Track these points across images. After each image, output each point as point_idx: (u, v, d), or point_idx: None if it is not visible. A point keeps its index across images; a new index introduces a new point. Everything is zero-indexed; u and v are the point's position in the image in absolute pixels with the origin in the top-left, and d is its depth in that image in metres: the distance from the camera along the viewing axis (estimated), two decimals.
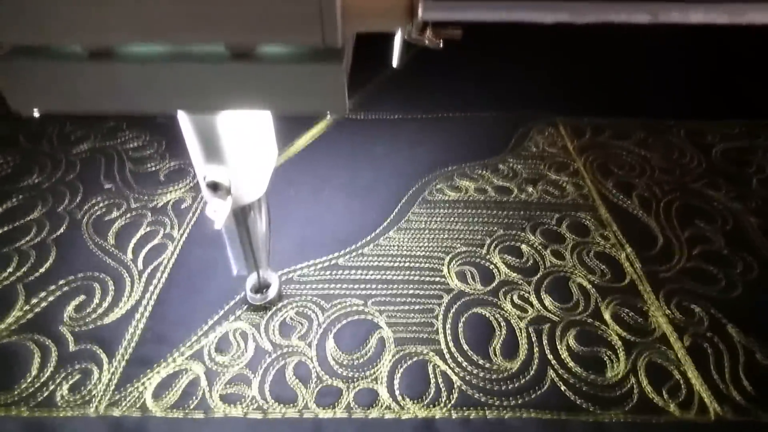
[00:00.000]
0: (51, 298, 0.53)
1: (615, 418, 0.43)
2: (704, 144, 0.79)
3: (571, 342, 0.49)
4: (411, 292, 0.55)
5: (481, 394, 0.45)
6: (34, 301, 0.53)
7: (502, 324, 0.51)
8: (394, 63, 0.40)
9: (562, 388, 0.46)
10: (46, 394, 0.45)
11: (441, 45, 0.34)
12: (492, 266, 0.57)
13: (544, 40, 0.91)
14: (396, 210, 0.65)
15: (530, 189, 0.69)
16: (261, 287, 0.52)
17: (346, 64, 0.28)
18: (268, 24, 0.25)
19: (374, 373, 0.47)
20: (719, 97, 0.92)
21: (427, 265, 0.58)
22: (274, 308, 0.52)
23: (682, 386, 0.46)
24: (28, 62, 0.27)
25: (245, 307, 0.53)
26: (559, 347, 0.49)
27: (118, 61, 0.27)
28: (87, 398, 0.45)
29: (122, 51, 0.28)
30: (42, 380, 0.46)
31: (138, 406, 0.44)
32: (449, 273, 0.57)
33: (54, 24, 0.25)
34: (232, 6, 0.24)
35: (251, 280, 0.53)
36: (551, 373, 0.47)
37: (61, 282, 0.55)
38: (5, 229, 0.61)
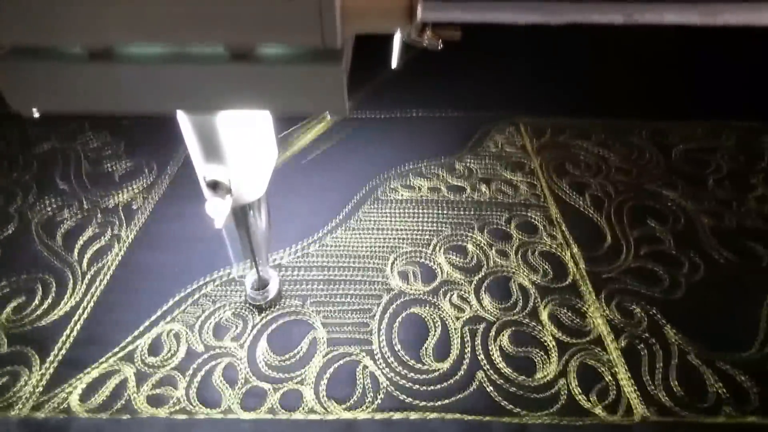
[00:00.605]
0: None
1: (539, 420, 0.43)
2: (665, 144, 0.79)
3: (504, 342, 0.49)
4: (351, 292, 0.54)
5: (407, 396, 0.45)
6: None
7: (437, 324, 0.51)
8: (393, 64, 0.40)
9: (489, 389, 0.45)
10: None
11: (440, 46, 0.34)
12: (435, 266, 0.57)
13: (512, 40, 0.90)
14: (346, 209, 0.65)
15: (483, 188, 0.69)
16: (261, 286, 0.52)
17: (346, 65, 0.28)
18: (267, 24, 0.25)
19: (302, 374, 0.47)
20: (685, 97, 0.92)
21: (370, 264, 0.58)
22: (212, 309, 0.52)
23: (612, 388, 0.46)
24: (28, 62, 0.27)
25: (183, 308, 0.52)
26: (491, 348, 0.49)
27: (118, 62, 0.28)
28: (11, 401, 0.45)
29: (122, 51, 0.28)
30: None
31: (63, 408, 0.44)
32: (392, 272, 0.56)
33: (54, 24, 0.25)
34: (232, 6, 0.24)
35: (251, 278, 0.53)
36: (480, 374, 0.47)
37: (3, 283, 0.55)
38: None
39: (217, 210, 0.37)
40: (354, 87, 0.31)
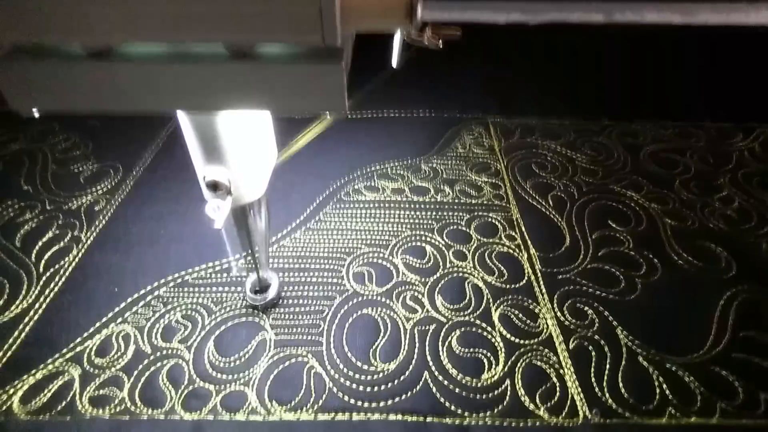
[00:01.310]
0: None
1: (481, 421, 0.43)
2: (634, 145, 0.79)
3: (454, 344, 0.49)
4: (304, 293, 0.54)
5: (351, 397, 0.45)
6: None
7: (388, 325, 0.51)
8: (394, 63, 0.40)
9: (434, 390, 0.45)
10: None
11: (440, 45, 0.34)
12: (392, 267, 0.57)
13: (487, 40, 0.90)
14: (308, 211, 0.65)
15: (447, 189, 0.69)
16: (261, 288, 0.52)
17: (346, 64, 0.28)
18: (267, 23, 0.25)
19: (247, 376, 0.46)
20: (660, 98, 0.92)
21: (326, 266, 0.57)
22: (163, 311, 0.52)
23: (557, 390, 0.45)
24: (28, 62, 0.27)
25: (134, 309, 0.52)
26: (440, 349, 0.48)
27: (118, 61, 0.28)
28: None
29: (122, 50, 0.28)
30: None
31: (3, 411, 0.44)
32: (347, 274, 0.56)
33: (53, 23, 0.25)
34: (232, 5, 0.25)
35: (251, 280, 0.52)
36: (426, 375, 0.46)
37: None
38: None
39: (217, 210, 0.37)
40: (353, 86, 0.31)
